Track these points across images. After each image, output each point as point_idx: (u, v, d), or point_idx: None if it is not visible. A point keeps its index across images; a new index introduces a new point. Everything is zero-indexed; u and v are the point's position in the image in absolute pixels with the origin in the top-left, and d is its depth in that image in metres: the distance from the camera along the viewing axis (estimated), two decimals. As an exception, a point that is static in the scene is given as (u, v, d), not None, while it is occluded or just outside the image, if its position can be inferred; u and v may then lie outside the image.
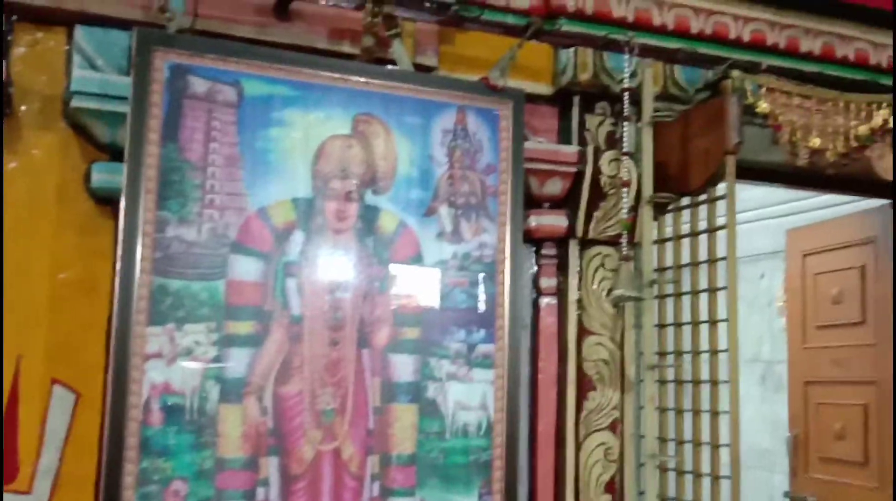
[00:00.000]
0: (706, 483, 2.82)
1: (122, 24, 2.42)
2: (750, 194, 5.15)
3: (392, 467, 2.44)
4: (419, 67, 2.72)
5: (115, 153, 2.38)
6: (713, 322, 2.86)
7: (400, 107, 2.57)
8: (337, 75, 2.52)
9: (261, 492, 2.30)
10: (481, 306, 2.60)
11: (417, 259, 2.55)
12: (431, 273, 2.56)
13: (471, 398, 2.54)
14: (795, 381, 4.40)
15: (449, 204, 2.60)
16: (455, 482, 2.50)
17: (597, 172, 2.90)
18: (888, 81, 3.27)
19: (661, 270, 3.00)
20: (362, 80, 2.54)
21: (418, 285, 2.54)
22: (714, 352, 2.85)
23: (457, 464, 2.51)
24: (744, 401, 5.36)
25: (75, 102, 2.35)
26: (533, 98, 2.89)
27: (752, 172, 3.24)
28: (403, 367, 2.49)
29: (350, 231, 2.47)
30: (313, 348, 2.38)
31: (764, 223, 4.96)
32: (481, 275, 2.61)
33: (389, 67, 2.64)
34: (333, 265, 2.44)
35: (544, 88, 2.95)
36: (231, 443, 2.27)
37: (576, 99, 2.97)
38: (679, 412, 2.94)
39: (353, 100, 2.52)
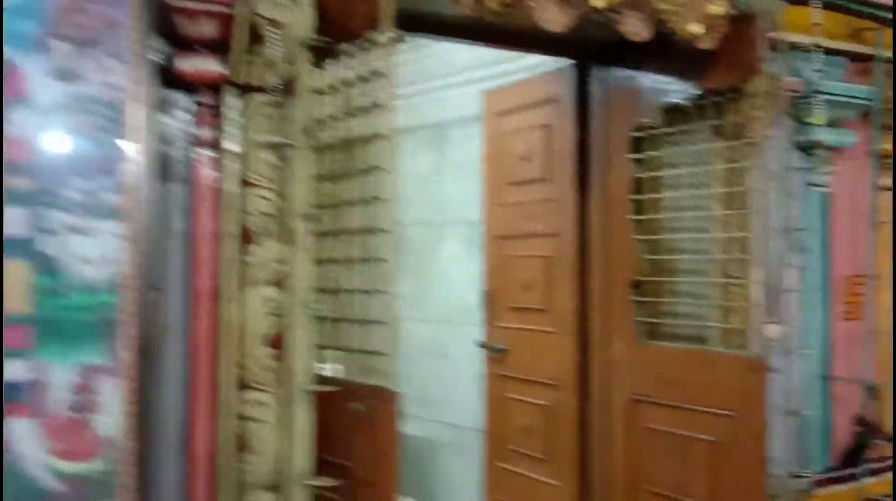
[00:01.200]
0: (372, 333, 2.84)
1: None
2: (455, 57, 5.18)
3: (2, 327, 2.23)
4: None
5: None
6: (370, 170, 2.82)
7: (-5, -77, 2.24)
8: None
9: None
10: (106, 154, 2.38)
11: (25, 101, 2.28)
12: (44, 117, 2.30)
13: (94, 251, 2.36)
14: (491, 237, 4.56)
15: (64, 38, 2.32)
16: (80, 341, 2.33)
17: (253, 13, 2.70)
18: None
19: (323, 120, 2.91)
20: None
21: (28, 131, 2.28)
22: (372, 201, 2.83)
23: (82, 322, 2.33)
24: (451, 261, 5.57)
25: None
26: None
27: (420, 23, 3.19)
28: (12, 220, 2.25)
29: (-69, 66, 2.15)
30: None
31: (472, 88, 5.01)
32: (106, 119, 2.38)
33: None
34: None
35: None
36: None
37: (232, -69, 2.74)
38: (339, 262, 2.92)
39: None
